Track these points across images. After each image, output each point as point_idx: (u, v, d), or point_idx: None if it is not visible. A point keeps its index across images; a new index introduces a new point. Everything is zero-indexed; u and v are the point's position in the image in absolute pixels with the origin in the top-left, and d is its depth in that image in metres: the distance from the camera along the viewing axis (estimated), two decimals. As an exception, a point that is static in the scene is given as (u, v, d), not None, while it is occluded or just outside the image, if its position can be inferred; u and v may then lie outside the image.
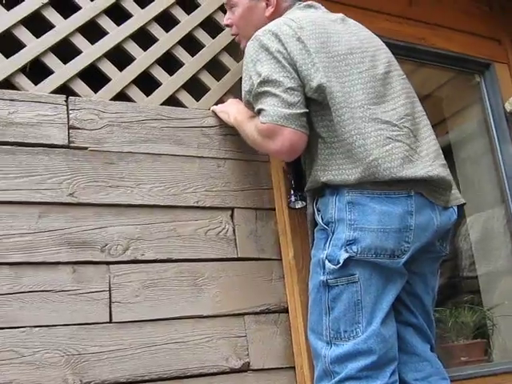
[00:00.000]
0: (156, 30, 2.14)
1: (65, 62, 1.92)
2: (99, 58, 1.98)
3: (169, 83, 2.08)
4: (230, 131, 2.04)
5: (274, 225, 2.06)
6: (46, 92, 1.84)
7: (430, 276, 1.85)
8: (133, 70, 2.03)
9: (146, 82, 2.07)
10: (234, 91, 2.15)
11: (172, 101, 2.07)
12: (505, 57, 3.02)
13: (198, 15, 2.23)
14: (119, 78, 1.99)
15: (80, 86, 1.93)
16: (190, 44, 2.21)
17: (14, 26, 1.88)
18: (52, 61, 1.91)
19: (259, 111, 1.71)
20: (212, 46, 2.22)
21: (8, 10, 1.89)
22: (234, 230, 1.97)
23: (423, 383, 1.79)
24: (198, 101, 2.12)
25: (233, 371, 1.84)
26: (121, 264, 1.78)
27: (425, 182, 1.69)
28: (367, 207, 1.65)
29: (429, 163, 1.71)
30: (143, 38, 2.10)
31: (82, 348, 1.66)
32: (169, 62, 2.14)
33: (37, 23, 1.92)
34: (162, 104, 2.02)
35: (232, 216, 1.99)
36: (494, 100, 2.95)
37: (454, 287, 3.30)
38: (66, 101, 1.84)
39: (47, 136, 1.78)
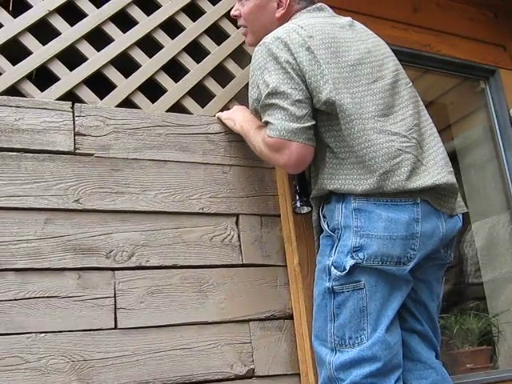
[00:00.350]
0: (161, 36, 2.15)
1: (71, 69, 1.93)
2: (105, 65, 1.99)
3: (174, 90, 2.09)
4: (235, 138, 2.04)
5: (279, 231, 2.06)
6: (52, 99, 1.85)
7: (435, 283, 1.84)
8: (138, 77, 2.04)
9: (152, 89, 2.08)
10: (240, 98, 2.16)
11: (177, 107, 2.07)
12: (510, 63, 3.02)
13: (203, 22, 2.24)
14: (125, 85, 2.00)
15: (86, 93, 1.94)
16: (196, 51, 2.22)
17: (21, 33, 1.89)
18: (58, 68, 1.92)
19: (266, 123, 1.71)
20: (217, 52, 2.23)
21: (15, 17, 1.90)
22: (239, 237, 1.97)
23: (428, 390, 1.79)
24: (203, 107, 2.12)
25: (238, 378, 1.83)
26: (126, 270, 1.78)
27: (431, 190, 1.69)
28: (374, 214, 1.65)
29: (437, 171, 1.71)
30: (149, 44, 2.11)
31: (87, 354, 1.66)
32: (174, 69, 2.14)
33: (43, 30, 1.93)
34: (167, 111, 2.03)
35: (237, 222, 1.99)
36: (499, 106, 2.95)
37: (459, 294, 3.30)
38: (71, 107, 1.85)
39: (53, 142, 1.79)
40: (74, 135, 1.82)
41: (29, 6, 1.93)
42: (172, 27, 2.19)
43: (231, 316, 1.88)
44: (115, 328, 1.72)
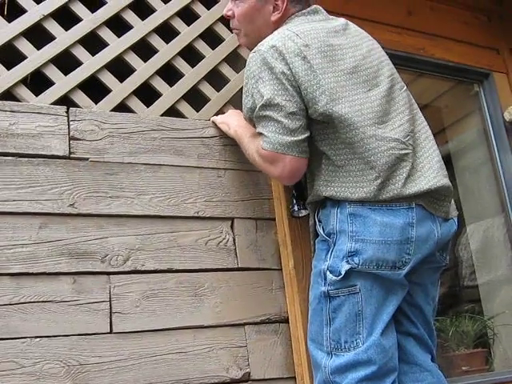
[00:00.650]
0: (156, 41, 2.15)
1: (65, 74, 1.93)
2: (100, 69, 1.99)
3: (169, 94, 2.09)
4: (230, 142, 2.04)
5: (274, 234, 2.06)
6: (46, 103, 1.85)
7: (431, 286, 1.85)
8: (133, 81, 2.04)
9: (147, 93, 2.08)
10: (234, 102, 2.16)
11: (172, 111, 2.07)
12: (503, 66, 3.04)
13: (198, 26, 2.24)
14: (120, 89, 2.00)
15: (81, 97, 1.94)
16: (190, 55, 2.22)
17: (15, 37, 1.89)
18: (53, 72, 1.92)
19: (260, 134, 1.72)
20: (212, 56, 2.23)
21: (9, 22, 1.90)
22: (234, 240, 1.98)
23: (424, 393, 1.79)
24: (198, 111, 2.12)
25: (233, 381, 1.83)
26: (121, 274, 1.78)
27: (426, 194, 1.70)
28: (369, 219, 1.65)
29: (433, 175, 1.72)
30: (143, 49, 2.11)
31: (83, 359, 1.66)
32: (169, 73, 2.14)
33: (38, 35, 1.93)
34: (162, 115, 2.03)
35: (232, 226, 1.99)
36: (493, 109, 2.97)
37: (454, 296, 3.30)
38: (66, 112, 1.85)
39: (48, 147, 1.79)
40: (69, 139, 1.82)
41: (23, 11, 1.93)
42: (167, 31, 2.19)
43: (227, 320, 1.88)
44: (110, 332, 1.72)
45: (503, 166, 2.91)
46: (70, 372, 1.63)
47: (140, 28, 2.12)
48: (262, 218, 2.05)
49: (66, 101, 1.90)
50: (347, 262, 1.64)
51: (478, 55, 2.97)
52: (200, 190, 1.97)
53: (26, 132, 1.77)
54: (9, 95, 1.83)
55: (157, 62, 2.11)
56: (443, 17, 2.91)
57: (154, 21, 2.16)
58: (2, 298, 1.62)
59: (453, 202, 1.85)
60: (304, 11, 1.88)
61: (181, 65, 2.17)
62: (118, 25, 2.08)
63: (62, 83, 1.91)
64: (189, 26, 2.23)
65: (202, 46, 2.24)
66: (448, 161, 3.13)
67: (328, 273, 1.67)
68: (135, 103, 2.03)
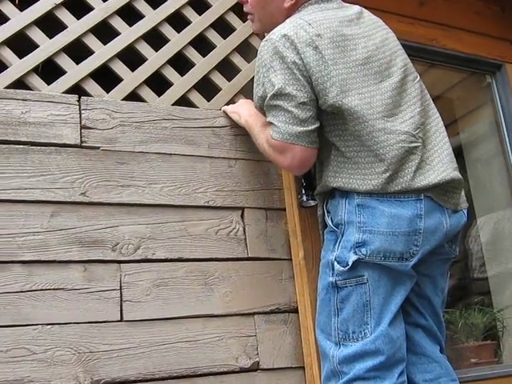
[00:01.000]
0: (167, 30, 2.15)
1: (77, 63, 1.93)
2: (111, 59, 2.00)
3: (180, 83, 2.09)
4: (240, 131, 2.04)
5: (284, 225, 2.06)
6: (58, 92, 1.86)
7: (440, 278, 1.85)
8: (144, 71, 2.05)
9: (158, 82, 2.08)
10: (245, 92, 2.16)
11: (183, 101, 2.08)
12: (516, 57, 3.01)
13: (209, 16, 2.24)
14: (131, 78, 2.01)
15: (92, 86, 1.94)
16: (201, 44, 2.22)
17: (28, 26, 1.89)
18: (64, 61, 1.93)
19: (271, 123, 1.72)
20: (223, 46, 2.23)
21: (21, 10, 1.90)
22: (244, 230, 1.98)
23: (432, 384, 1.80)
24: (209, 101, 2.12)
25: (243, 370, 1.84)
26: (132, 263, 1.79)
27: (435, 187, 1.69)
28: (377, 210, 1.65)
29: (442, 169, 1.71)
30: (155, 38, 2.11)
31: (93, 346, 1.67)
32: (180, 63, 2.15)
33: (49, 24, 1.93)
34: (173, 104, 2.03)
35: (242, 216, 2.00)
36: (506, 101, 2.94)
37: (464, 288, 3.30)
38: (78, 101, 1.85)
39: (60, 136, 1.80)
40: (81, 128, 1.83)
41: (35, 0, 1.94)
42: (178, 21, 2.19)
43: (236, 309, 1.89)
44: (121, 320, 1.73)
45: (515, 158, 2.90)
46: (81, 359, 1.65)
47: (151, 17, 2.12)
48: (272, 208, 2.06)
49: (77, 89, 1.91)
50: (355, 252, 1.64)
51: (491, 46, 2.94)
52: (211, 179, 1.97)
53: (37, 120, 1.78)
54: (21, 84, 1.84)
55: (168, 51, 2.11)
56: (455, 7, 2.88)
57: (166, 10, 2.16)
58: (14, 286, 1.63)
59: (463, 193, 1.84)
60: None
61: (192, 54, 2.17)
62: (129, 14, 2.08)
63: (74, 72, 1.92)
64: (200, 15, 2.23)
65: (213, 36, 2.24)
66: (459, 152, 3.13)
67: (336, 263, 1.68)
68: (146, 92, 2.03)
